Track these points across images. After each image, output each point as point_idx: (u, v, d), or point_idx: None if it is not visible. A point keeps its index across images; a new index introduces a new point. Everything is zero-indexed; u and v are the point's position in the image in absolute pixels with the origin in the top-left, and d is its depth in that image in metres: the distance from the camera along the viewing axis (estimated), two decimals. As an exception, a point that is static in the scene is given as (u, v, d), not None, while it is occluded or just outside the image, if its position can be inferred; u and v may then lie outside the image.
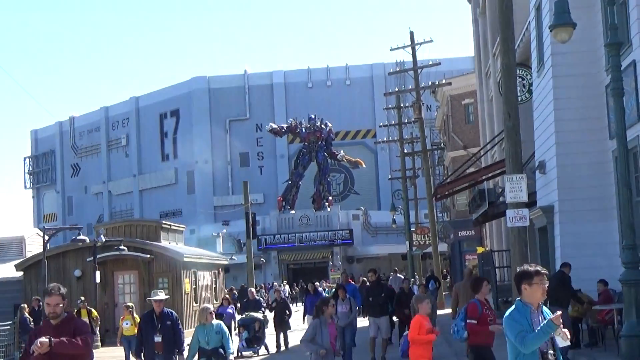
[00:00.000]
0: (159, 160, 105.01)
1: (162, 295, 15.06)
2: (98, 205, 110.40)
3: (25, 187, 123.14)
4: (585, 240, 21.18)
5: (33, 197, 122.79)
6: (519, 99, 27.49)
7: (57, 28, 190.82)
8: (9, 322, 27.45)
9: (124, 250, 35.61)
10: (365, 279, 25.86)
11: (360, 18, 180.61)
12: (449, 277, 63.27)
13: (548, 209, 22.52)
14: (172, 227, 43.24)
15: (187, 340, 15.25)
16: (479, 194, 27.89)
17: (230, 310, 28.40)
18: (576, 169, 21.85)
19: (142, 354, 15.06)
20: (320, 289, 44.13)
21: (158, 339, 14.59)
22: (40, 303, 27.96)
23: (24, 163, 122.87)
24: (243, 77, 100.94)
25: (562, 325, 7.05)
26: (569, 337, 7.12)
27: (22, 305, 29.78)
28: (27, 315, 28.76)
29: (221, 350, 14.59)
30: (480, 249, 45.54)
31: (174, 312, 15.20)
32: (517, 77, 27.48)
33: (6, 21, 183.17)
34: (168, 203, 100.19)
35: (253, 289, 33.31)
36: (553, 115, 22.31)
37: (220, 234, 67.15)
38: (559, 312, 7.06)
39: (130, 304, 25.29)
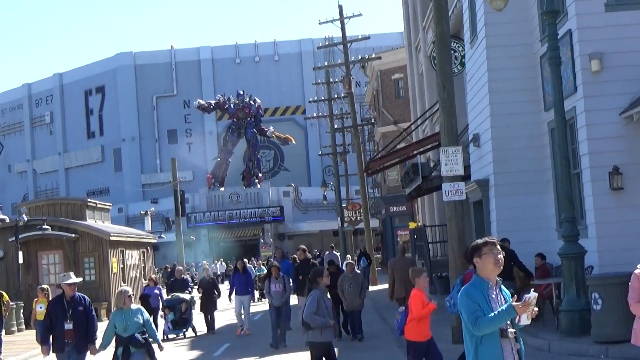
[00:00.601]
0: (84, 137, 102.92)
1: (73, 277, 13.81)
2: (22, 184, 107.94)
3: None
4: (521, 214, 20.86)
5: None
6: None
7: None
8: None
9: (47, 229, 34.48)
10: (295, 256, 25.16)
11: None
12: (380, 253, 63.20)
13: (483, 183, 22.13)
14: (98, 206, 42.05)
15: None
16: (412, 168, 27.40)
17: (157, 291, 27.38)
18: (511, 142, 21.48)
19: (51, 342, 13.91)
20: (249, 266, 43.32)
21: (69, 326, 13.46)
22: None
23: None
24: (169, 53, 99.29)
25: (534, 304, 6.48)
26: (534, 315, 6.58)
27: None
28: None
29: (137, 336, 13.42)
30: (412, 224, 45.36)
31: (86, 297, 14.08)
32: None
33: None
34: (95, 181, 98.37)
35: (181, 268, 32.36)
36: (487, 87, 21.87)
37: (148, 212, 65.82)
38: (533, 303, 6.48)
39: (45, 286, 24.09)
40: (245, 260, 44.06)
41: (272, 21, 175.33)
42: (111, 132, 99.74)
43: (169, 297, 26.64)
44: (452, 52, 26.65)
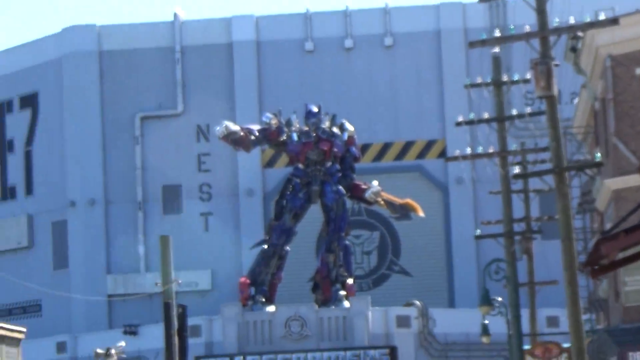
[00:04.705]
0: None
1: None
2: None
3: None
4: None
5: None
6: None
7: None
8: None
9: None
10: None
11: None
12: None
13: None
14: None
15: None
16: None
17: None
18: None
19: None
20: None
21: None
22: None
23: None
24: (171, 29, 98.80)
25: None
26: None
27: None
28: None
29: None
30: None
31: None
32: None
33: None
34: (14, 288, 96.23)
35: None
36: None
37: (113, 353, 63.24)
38: None
39: None
40: None
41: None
42: (49, 188, 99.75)
43: None
44: None
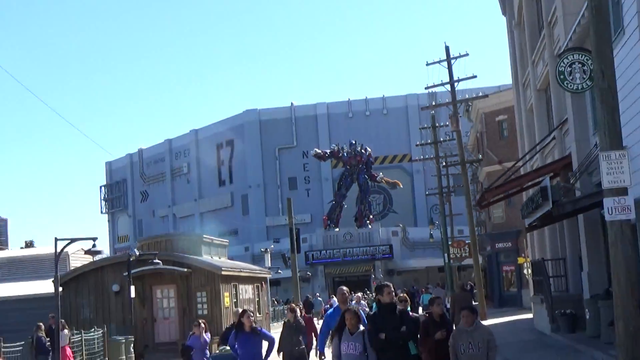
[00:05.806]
0: (216, 185, 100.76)
1: None
2: (165, 227, 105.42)
3: (101, 212, 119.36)
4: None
5: (108, 221, 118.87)
6: (577, 87, 21.08)
7: (121, 72, 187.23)
8: (21, 343, 21.46)
9: (158, 264, 29.68)
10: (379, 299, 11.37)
11: (395, 51, 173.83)
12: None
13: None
14: (214, 241, 37.73)
15: None
16: (541, 193, 21.11)
17: (205, 338, 16.61)
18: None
19: None
20: (355, 303, 26.64)
21: None
22: (57, 322, 21.91)
23: (100, 191, 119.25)
24: (290, 109, 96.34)
25: None
26: None
27: (38, 324, 23.67)
28: (42, 334, 22.66)
29: None
30: (521, 260, 39.57)
31: None
32: (573, 63, 21.09)
33: (81, 66, 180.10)
34: (226, 223, 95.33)
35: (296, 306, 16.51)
36: None
37: (268, 250, 61.63)
38: None
39: None
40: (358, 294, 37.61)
41: (381, 78, 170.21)
42: (239, 180, 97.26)
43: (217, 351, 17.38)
44: (580, 65, 20.60)
